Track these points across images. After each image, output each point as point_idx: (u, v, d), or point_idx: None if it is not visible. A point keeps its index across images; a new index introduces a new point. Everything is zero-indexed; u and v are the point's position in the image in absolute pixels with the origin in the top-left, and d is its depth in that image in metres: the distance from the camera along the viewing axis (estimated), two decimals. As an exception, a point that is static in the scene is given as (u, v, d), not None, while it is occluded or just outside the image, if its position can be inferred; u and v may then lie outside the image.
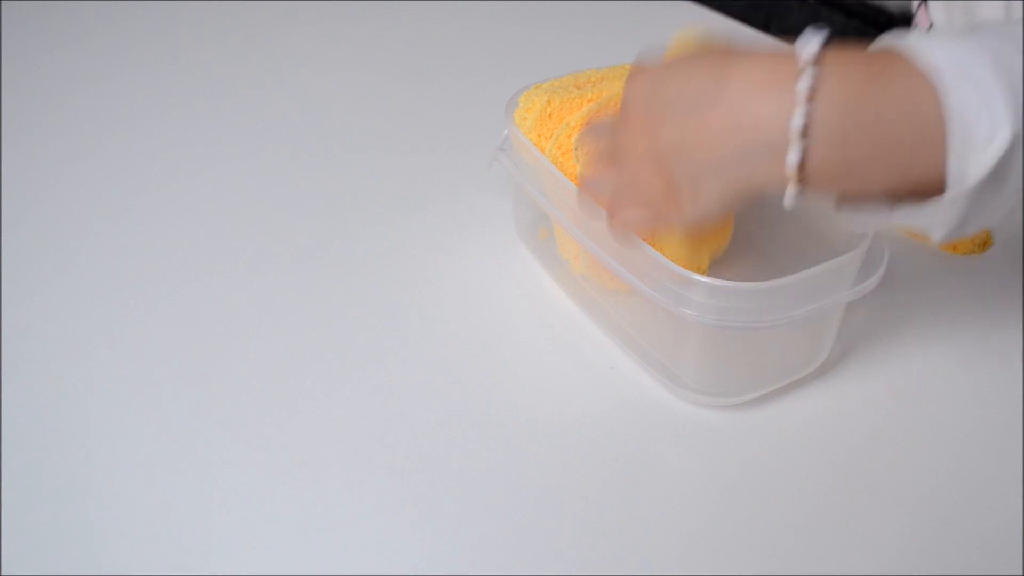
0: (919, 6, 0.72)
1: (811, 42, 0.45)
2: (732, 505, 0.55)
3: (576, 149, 0.59)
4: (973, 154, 0.44)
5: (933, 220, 0.47)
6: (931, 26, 0.70)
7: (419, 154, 0.79)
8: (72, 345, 0.63)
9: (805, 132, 0.44)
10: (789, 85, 0.45)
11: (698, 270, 0.55)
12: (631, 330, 0.62)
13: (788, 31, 1.15)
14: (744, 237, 0.66)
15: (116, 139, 0.80)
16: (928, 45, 0.45)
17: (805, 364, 0.60)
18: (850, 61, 0.45)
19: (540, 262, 0.68)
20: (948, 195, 0.45)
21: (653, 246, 0.55)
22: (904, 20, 0.77)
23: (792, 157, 0.45)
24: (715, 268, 0.63)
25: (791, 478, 0.56)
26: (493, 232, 0.71)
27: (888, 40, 0.47)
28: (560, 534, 0.53)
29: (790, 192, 0.46)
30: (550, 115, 0.61)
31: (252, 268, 0.68)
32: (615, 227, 0.53)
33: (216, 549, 0.52)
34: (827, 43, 0.45)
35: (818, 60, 0.45)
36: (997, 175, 0.44)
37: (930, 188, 0.46)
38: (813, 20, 1.11)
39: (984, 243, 0.70)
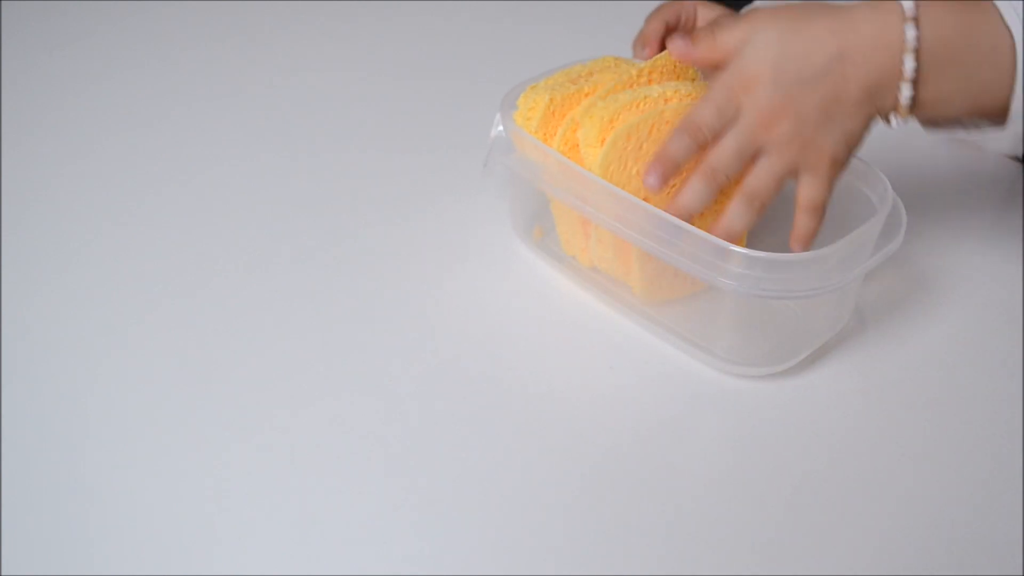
0: None
1: None
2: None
3: (582, 143, 0.60)
4: None
5: (993, 142, 0.60)
6: None
7: (417, 154, 0.79)
8: (72, 345, 0.63)
9: (915, 74, 0.56)
10: (898, 39, 0.56)
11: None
12: (655, 312, 0.64)
13: (788, 31, 1.15)
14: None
15: (116, 139, 0.80)
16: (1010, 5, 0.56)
17: (830, 329, 0.63)
18: (943, 10, 0.56)
19: (542, 258, 0.68)
20: (1009, 127, 0.57)
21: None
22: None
23: (906, 92, 0.56)
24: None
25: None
26: (491, 231, 0.71)
27: None
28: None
29: (898, 118, 0.58)
30: (553, 112, 0.61)
31: (252, 267, 0.68)
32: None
33: (216, 549, 0.52)
34: None
35: (917, 14, 0.56)
36: None
37: (993, 114, 0.58)
38: (813, 20, 1.11)
39: None
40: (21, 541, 0.52)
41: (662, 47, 0.67)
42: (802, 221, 0.59)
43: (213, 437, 0.57)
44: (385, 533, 0.53)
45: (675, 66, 0.63)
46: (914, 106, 0.57)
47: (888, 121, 0.58)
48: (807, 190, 0.58)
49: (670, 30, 0.67)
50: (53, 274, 0.67)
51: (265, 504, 0.54)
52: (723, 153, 0.58)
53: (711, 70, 0.61)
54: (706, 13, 0.67)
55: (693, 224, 0.58)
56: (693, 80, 0.64)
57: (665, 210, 0.58)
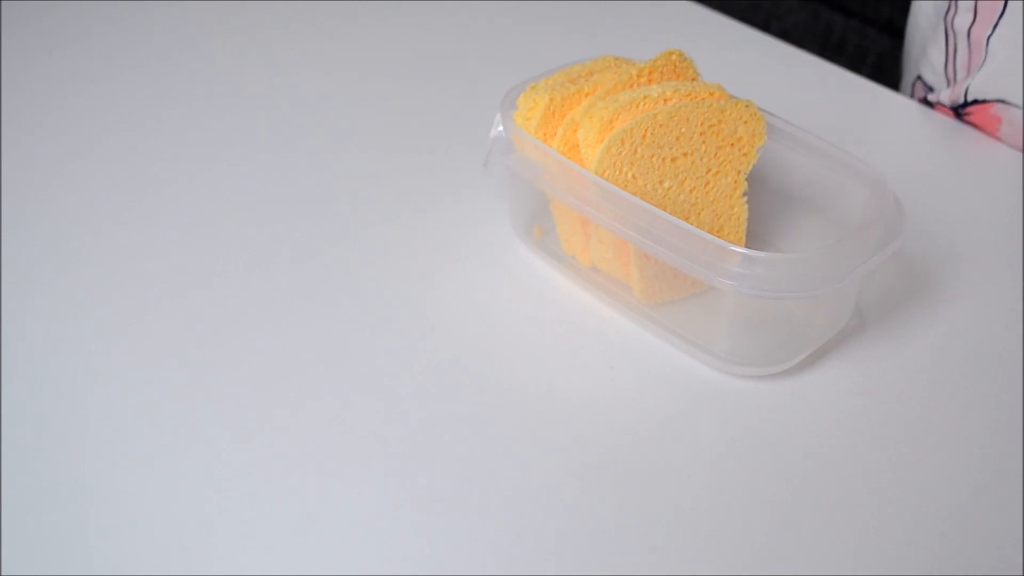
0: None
1: None
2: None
3: (582, 143, 0.60)
4: None
5: None
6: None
7: (417, 154, 0.79)
8: (71, 345, 0.63)
9: None
10: None
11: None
12: (655, 312, 0.64)
13: (788, 31, 1.16)
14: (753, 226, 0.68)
15: (116, 139, 0.80)
16: None
17: (830, 329, 0.63)
18: None
19: (542, 259, 0.68)
20: None
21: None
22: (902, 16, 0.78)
23: None
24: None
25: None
26: (490, 231, 0.71)
27: None
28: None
29: None
30: (553, 113, 0.62)
31: (251, 268, 0.68)
32: None
33: (216, 549, 0.52)
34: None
35: None
36: None
37: None
38: (813, 20, 1.12)
39: None
40: (21, 541, 0.52)
41: None
42: None
43: (213, 437, 0.58)
44: (385, 533, 0.53)
45: (675, 66, 0.63)
46: None
47: None
48: None
49: None
50: (53, 274, 0.67)
51: (265, 504, 0.54)
52: None
53: None
54: None
55: (692, 224, 0.58)
56: (693, 80, 0.64)
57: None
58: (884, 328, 0.65)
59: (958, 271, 0.69)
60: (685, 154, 0.61)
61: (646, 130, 0.59)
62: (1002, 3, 0.75)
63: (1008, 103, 0.78)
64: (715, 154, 0.61)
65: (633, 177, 0.60)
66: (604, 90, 0.62)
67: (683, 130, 0.60)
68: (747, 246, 0.56)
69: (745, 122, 0.62)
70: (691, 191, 0.61)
